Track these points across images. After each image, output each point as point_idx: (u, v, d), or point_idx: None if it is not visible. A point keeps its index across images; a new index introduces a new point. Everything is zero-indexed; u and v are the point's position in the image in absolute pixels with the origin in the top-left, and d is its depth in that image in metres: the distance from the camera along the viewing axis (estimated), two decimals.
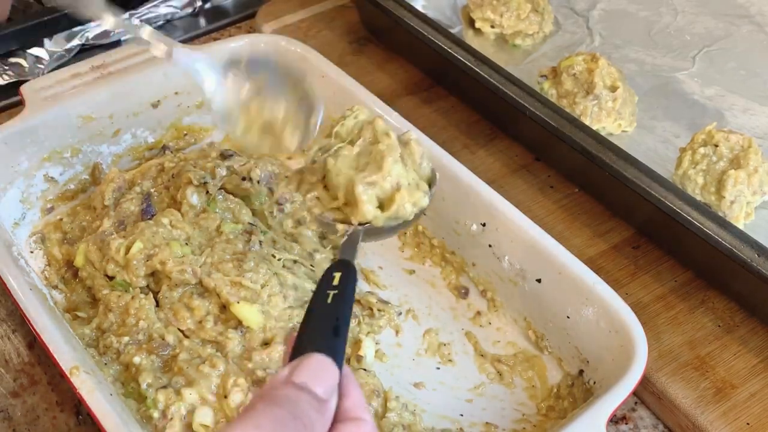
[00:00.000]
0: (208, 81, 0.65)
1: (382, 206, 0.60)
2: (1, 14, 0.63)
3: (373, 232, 0.60)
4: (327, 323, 0.47)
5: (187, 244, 0.70)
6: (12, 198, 0.77)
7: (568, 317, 0.67)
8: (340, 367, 0.44)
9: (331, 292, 0.49)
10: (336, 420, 0.42)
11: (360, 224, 0.59)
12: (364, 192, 0.59)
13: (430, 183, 0.63)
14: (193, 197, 0.73)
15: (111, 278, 0.70)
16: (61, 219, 0.78)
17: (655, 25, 1.03)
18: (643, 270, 0.76)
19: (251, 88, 0.65)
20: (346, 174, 0.60)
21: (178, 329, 0.67)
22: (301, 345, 0.45)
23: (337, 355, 0.44)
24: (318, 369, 0.43)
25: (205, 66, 0.65)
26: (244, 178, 0.76)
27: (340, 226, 0.60)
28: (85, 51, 1.00)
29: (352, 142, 0.62)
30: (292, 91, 0.65)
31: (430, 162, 0.64)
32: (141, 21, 1.03)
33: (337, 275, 0.51)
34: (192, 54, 0.65)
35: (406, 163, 0.61)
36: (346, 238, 0.59)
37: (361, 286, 0.76)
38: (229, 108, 0.65)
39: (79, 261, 0.72)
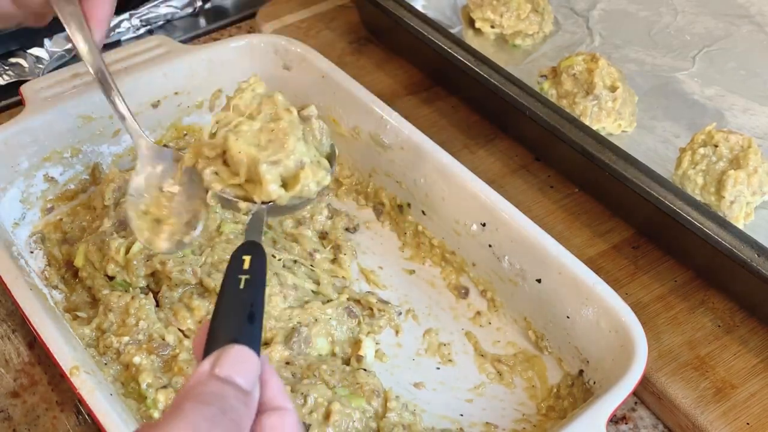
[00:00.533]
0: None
1: (285, 185, 0.59)
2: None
3: (277, 210, 0.59)
4: (241, 310, 0.45)
5: None
6: (12, 198, 0.77)
7: (568, 317, 0.67)
8: (257, 355, 0.43)
9: (243, 277, 0.48)
10: (258, 411, 0.42)
11: (263, 203, 0.58)
12: (267, 171, 0.58)
13: (330, 160, 0.63)
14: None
15: (111, 278, 0.71)
16: (61, 219, 0.78)
17: (655, 25, 1.03)
18: (643, 270, 0.76)
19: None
20: (247, 151, 0.58)
21: (178, 329, 0.67)
22: (216, 334, 0.44)
23: (254, 342, 0.43)
24: (239, 360, 0.42)
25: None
26: None
27: (242, 205, 0.58)
28: None
29: (251, 117, 0.61)
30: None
31: (329, 138, 0.64)
32: (141, 21, 1.03)
33: (247, 258, 0.49)
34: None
35: (307, 140, 0.60)
36: (251, 217, 0.57)
37: (361, 286, 0.76)
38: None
39: (78, 261, 0.72)
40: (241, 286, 0.47)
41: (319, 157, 0.61)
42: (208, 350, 0.43)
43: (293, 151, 0.58)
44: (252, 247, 0.50)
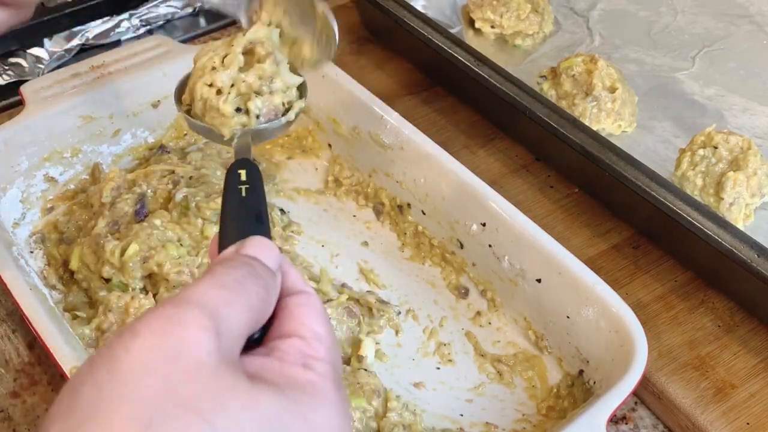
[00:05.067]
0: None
1: (248, 111, 0.60)
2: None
3: (258, 134, 0.60)
4: (248, 213, 0.46)
5: (181, 245, 0.70)
6: (12, 198, 0.77)
7: (568, 317, 0.67)
8: None
9: (243, 187, 0.48)
10: (282, 296, 0.42)
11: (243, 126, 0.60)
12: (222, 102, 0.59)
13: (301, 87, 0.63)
14: (178, 195, 0.73)
15: (107, 280, 0.70)
16: (58, 218, 0.78)
17: (655, 25, 1.03)
18: (643, 270, 0.76)
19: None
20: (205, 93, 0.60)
21: None
22: (228, 237, 0.44)
23: (267, 237, 0.44)
24: (261, 246, 0.42)
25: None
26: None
27: (225, 130, 0.59)
28: (85, 51, 0.99)
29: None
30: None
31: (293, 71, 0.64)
32: (141, 21, 1.03)
33: (242, 172, 0.50)
34: None
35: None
36: (236, 141, 0.58)
37: (361, 286, 0.76)
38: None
39: (74, 264, 0.72)
40: (243, 194, 0.48)
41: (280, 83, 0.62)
42: (222, 250, 0.44)
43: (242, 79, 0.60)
44: (244, 163, 0.51)
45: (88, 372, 0.34)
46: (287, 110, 0.61)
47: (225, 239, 0.44)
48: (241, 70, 0.60)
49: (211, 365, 0.34)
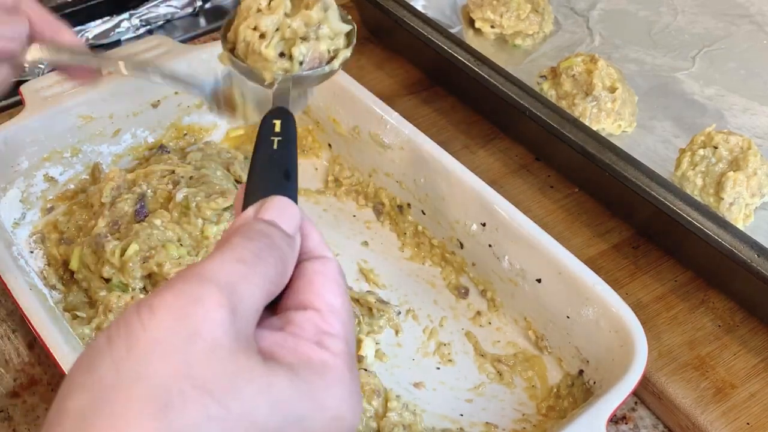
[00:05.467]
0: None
1: (291, 56, 0.59)
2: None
3: (300, 81, 0.59)
4: (277, 168, 0.46)
5: (181, 245, 0.70)
6: (12, 198, 0.77)
7: (568, 317, 0.67)
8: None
9: (275, 139, 0.48)
10: (300, 260, 0.42)
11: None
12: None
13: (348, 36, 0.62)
14: (179, 195, 0.73)
15: (107, 280, 0.70)
16: (57, 218, 0.78)
17: (655, 25, 1.03)
18: (643, 270, 0.76)
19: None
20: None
21: None
22: (254, 192, 0.44)
23: (292, 197, 0.44)
24: (282, 208, 0.42)
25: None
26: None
27: (266, 74, 0.58)
28: None
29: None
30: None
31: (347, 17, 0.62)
32: (141, 21, 1.03)
33: (277, 122, 0.49)
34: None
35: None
36: (276, 87, 0.57)
37: (361, 286, 0.76)
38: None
39: (74, 264, 0.72)
40: (275, 147, 0.47)
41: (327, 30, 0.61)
42: (246, 206, 0.43)
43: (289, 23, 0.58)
44: (281, 113, 0.50)
45: (107, 346, 0.34)
46: (332, 58, 0.59)
47: (250, 195, 0.44)
48: (287, 15, 0.58)
49: (227, 346, 0.35)
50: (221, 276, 0.36)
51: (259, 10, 0.58)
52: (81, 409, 0.33)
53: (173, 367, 0.33)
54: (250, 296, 0.37)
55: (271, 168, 0.46)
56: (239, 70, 0.60)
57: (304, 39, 0.58)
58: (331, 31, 0.59)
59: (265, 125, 0.49)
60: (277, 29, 0.58)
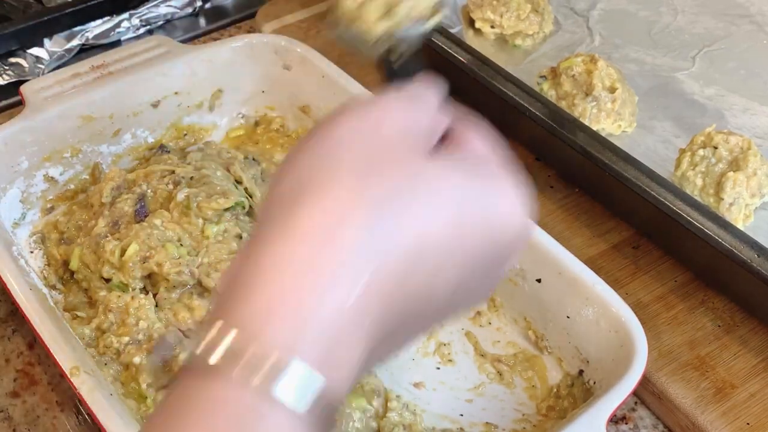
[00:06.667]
0: None
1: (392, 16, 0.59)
2: None
3: (402, 40, 0.60)
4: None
5: (181, 245, 0.70)
6: (12, 198, 0.77)
7: (568, 317, 0.67)
8: None
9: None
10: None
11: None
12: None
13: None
14: (180, 195, 0.73)
15: (107, 280, 0.70)
16: (58, 219, 0.78)
17: (655, 25, 1.03)
18: (643, 270, 0.76)
19: None
20: None
21: (179, 330, 0.67)
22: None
23: None
24: (421, 87, 0.45)
25: None
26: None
27: (370, 35, 0.59)
28: (85, 51, 0.99)
29: None
30: None
31: None
32: (141, 21, 1.03)
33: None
34: None
35: None
36: (379, 48, 0.60)
37: None
38: None
39: (74, 264, 0.72)
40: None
41: None
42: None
43: None
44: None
45: (305, 144, 0.39)
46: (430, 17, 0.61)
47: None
48: None
49: (410, 143, 0.39)
50: (392, 100, 0.42)
51: None
52: (290, 189, 0.37)
53: (369, 146, 0.38)
54: (424, 116, 0.42)
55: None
56: (346, 38, 0.61)
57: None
58: None
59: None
60: None
